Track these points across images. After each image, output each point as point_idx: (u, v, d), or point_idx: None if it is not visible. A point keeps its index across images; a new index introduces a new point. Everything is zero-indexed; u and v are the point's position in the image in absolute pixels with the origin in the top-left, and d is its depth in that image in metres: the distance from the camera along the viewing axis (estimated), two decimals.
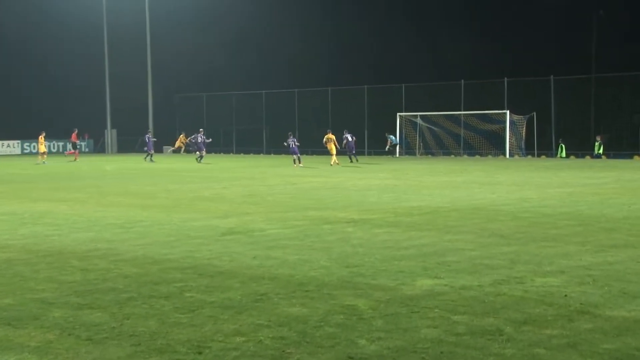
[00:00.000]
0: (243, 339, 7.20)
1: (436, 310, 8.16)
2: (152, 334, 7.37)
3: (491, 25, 62.29)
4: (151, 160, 47.59)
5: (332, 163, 41.07)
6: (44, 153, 45.67)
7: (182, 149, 61.95)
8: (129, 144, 67.65)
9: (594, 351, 6.75)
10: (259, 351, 6.85)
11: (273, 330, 7.46)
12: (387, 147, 53.79)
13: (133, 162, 46.79)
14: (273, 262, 11.10)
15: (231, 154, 63.54)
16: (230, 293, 9.07)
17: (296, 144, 41.50)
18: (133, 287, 9.44)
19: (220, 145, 64.23)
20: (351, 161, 44.19)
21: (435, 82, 55.55)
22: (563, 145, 50.18)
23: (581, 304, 8.40)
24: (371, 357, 6.72)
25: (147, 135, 50.84)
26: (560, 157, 49.86)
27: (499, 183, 26.67)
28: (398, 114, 56.32)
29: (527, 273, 10.10)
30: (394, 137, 54.35)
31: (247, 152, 63.00)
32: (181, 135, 62.92)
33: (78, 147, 52.34)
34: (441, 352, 6.78)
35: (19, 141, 65.19)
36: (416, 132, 55.85)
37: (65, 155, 54.65)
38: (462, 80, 54.80)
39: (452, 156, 53.41)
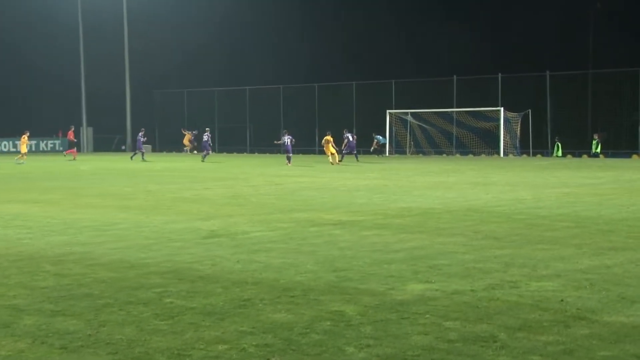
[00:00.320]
0: (226, 346, 7.09)
1: (427, 316, 8.08)
2: (129, 342, 7.25)
3: (484, 19, 62.29)
4: (143, 158, 47.50)
5: (332, 162, 40.89)
6: (24, 153, 45.42)
7: (190, 149, 59.24)
8: (105, 143, 67.16)
9: (591, 358, 6.70)
10: (243, 359, 6.75)
11: (257, 338, 7.35)
12: (372, 147, 52.65)
13: (110, 162, 46.67)
14: (257, 266, 10.98)
15: (213, 153, 63.11)
16: (212, 299, 8.95)
17: (292, 141, 41.25)
18: (109, 293, 9.30)
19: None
20: (357, 160, 44.23)
21: (427, 78, 54.85)
22: (559, 144, 50.15)
23: (578, 309, 8.34)
24: None
25: (139, 134, 50.55)
26: (557, 156, 49.72)
27: (493, 183, 26.64)
28: (388, 111, 55.76)
29: (522, 277, 10.04)
30: (380, 137, 53.42)
31: (230, 151, 62.44)
32: (187, 134, 60.10)
33: (75, 145, 52.38)
34: None
35: None
36: (406, 130, 55.45)
37: (64, 155, 54.44)
38: (455, 76, 54.40)
39: (444, 155, 53.15)
